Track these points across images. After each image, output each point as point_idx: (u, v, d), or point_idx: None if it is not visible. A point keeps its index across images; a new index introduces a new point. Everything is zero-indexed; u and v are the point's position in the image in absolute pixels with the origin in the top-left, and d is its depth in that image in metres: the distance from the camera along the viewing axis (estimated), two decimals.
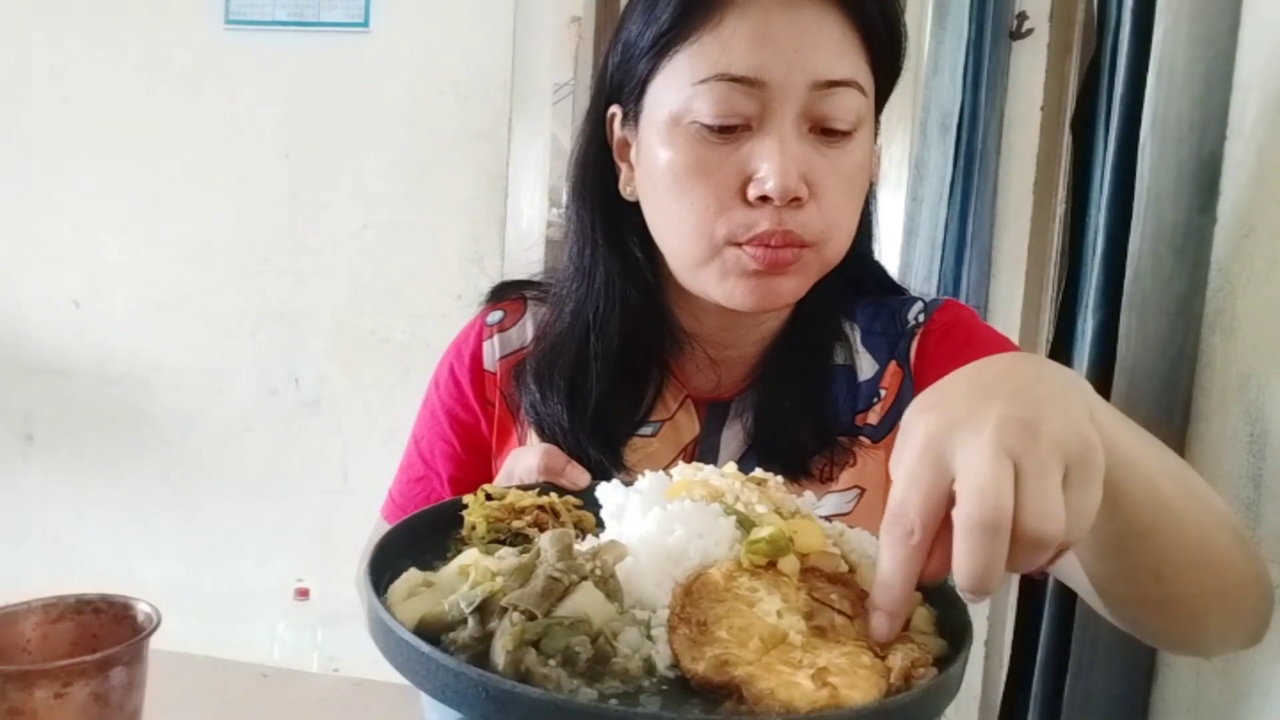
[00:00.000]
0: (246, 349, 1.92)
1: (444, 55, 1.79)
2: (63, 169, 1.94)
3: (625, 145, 0.81)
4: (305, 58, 1.83)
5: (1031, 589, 1.10)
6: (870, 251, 0.90)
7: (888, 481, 0.50)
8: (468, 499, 0.61)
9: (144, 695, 0.61)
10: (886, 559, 0.47)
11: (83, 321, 1.97)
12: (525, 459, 0.70)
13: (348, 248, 1.86)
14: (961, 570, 0.44)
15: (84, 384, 1.98)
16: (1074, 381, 0.52)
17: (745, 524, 0.53)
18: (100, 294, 1.96)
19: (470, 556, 0.52)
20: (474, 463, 0.89)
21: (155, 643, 0.61)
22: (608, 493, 0.60)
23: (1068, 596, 0.98)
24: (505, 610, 0.45)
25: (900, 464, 0.48)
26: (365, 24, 1.80)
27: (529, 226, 1.88)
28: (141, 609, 0.63)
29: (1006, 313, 2.01)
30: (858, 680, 0.43)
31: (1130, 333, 0.89)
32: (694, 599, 0.48)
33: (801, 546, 0.52)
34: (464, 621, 0.46)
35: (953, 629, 0.50)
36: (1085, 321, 0.98)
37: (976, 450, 0.45)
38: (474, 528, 0.59)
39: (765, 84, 0.70)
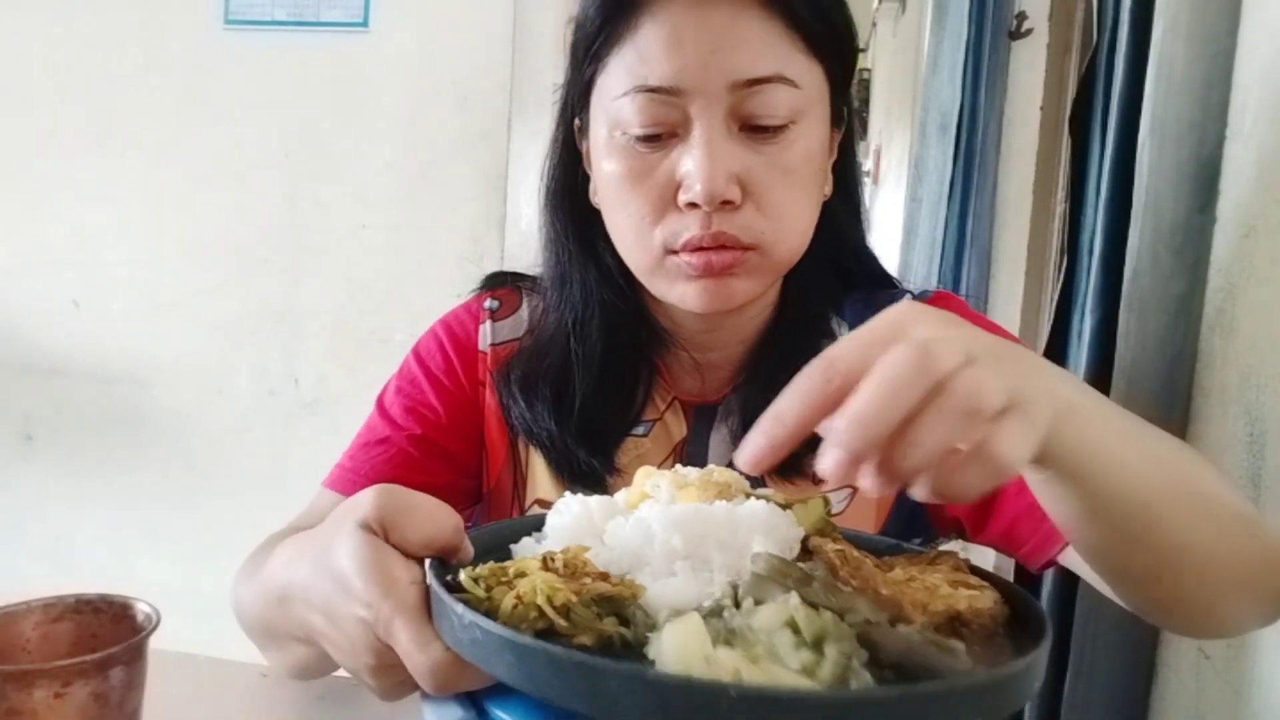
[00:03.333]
0: (246, 349, 1.92)
1: (444, 55, 1.79)
2: (62, 169, 1.94)
3: (590, 154, 0.81)
4: (304, 58, 1.83)
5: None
6: (863, 243, 0.88)
7: None
8: (530, 573, 0.47)
9: (144, 695, 0.61)
10: (792, 390, 0.43)
11: (82, 322, 1.97)
12: (420, 526, 0.53)
13: (347, 248, 1.86)
14: (851, 407, 0.40)
15: (83, 384, 1.98)
16: (1061, 373, 0.51)
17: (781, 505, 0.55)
18: (99, 294, 1.96)
19: (693, 622, 0.43)
20: (451, 430, 0.85)
21: (155, 643, 0.61)
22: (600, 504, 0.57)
23: (1067, 595, 0.98)
24: (858, 633, 0.43)
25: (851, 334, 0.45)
26: (365, 24, 1.81)
27: (529, 226, 1.88)
28: (141, 609, 0.63)
29: (1006, 312, 2.02)
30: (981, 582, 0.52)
31: (1129, 333, 0.89)
32: (852, 571, 0.50)
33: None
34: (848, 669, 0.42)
35: (1026, 623, 0.51)
36: (1082, 321, 0.98)
37: (933, 333, 0.43)
38: (569, 617, 0.45)
39: (683, 91, 0.70)
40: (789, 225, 0.74)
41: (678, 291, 0.75)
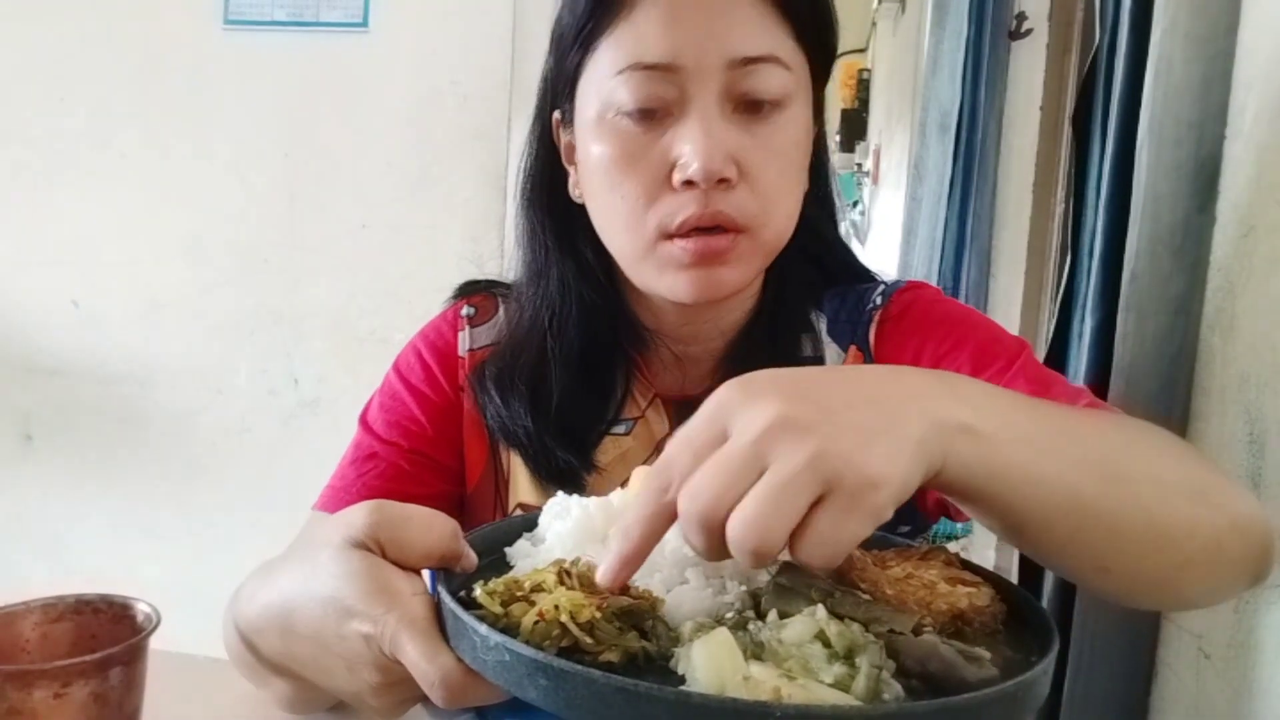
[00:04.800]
0: (245, 349, 1.92)
1: (444, 55, 1.79)
2: (62, 169, 1.94)
3: (571, 148, 0.81)
4: (304, 58, 1.83)
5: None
6: (834, 234, 0.89)
7: None
8: (547, 587, 0.47)
9: (143, 695, 0.61)
10: (637, 506, 0.47)
11: (82, 321, 1.97)
12: (417, 537, 0.53)
13: (347, 248, 1.86)
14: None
15: (83, 384, 1.98)
16: (956, 394, 0.50)
17: None
18: (99, 294, 1.96)
19: (724, 638, 0.44)
20: (438, 440, 0.85)
21: (155, 643, 0.61)
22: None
23: (1066, 595, 0.98)
24: (877, 642, 0.44)
25: (690, 420, 0.48)
26: (364, 24, 1.80)
27: None
28: (141, 609, 0.63)
29: (1006, 312, 2.02)
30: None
31: (1128, 333, 0.89)
32: (859, 575, 0.50)
33: None
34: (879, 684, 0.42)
35: (1025, 619, 0.52)
36: (1083, 322, 0.98)
37: (738, 436, 0.45)
38: (593, 634, 0.45)
39: (680, 68, 0.70)
40: (779, 207, 0.75)
41: (667, 281, 0.75)
